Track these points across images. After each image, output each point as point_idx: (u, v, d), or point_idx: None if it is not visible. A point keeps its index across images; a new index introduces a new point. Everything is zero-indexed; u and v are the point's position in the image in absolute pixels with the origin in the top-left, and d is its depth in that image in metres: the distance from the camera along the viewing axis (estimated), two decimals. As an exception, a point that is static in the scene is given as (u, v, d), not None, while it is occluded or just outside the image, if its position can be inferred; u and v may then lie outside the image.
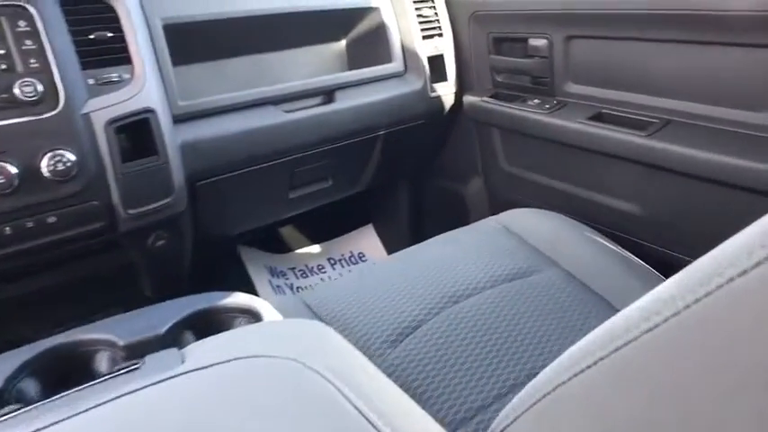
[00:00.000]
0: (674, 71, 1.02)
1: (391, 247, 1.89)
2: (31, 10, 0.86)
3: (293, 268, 1.77)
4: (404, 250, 1.09)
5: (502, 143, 1.37)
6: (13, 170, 0.84)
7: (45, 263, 1.05)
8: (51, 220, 0.91)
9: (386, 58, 1.35)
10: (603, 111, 1.14)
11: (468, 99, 1.41)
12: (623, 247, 1.07)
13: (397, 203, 1.82)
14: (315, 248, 1.87)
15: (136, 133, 0.97)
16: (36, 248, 0.92)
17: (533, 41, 1.24)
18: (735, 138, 0.96)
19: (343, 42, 1.42)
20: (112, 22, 0.95)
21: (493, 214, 1.51)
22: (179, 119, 1.05)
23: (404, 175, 1.67)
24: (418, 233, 1.81)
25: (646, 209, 1.09)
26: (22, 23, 0.86)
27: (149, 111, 0.97)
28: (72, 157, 0.88)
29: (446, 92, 1.42)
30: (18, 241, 0.90)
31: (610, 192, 1.14)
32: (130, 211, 0.98)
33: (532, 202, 1.34)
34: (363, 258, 1.88)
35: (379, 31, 1.35)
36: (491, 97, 1.35)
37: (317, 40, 1.38)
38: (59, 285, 1.12)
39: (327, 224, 1.86)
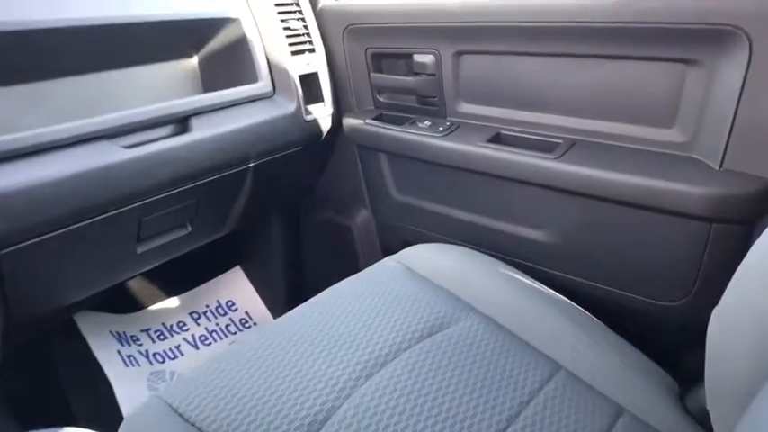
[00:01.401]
0: (575, 87, 0.94)
1: (265, 292, 1.66)
2: None
3: (147, 330, 1.47)
4: (292, 312, 0.90)
5: (390, 170, 1.22)
6: None
7: None
8: None
9: (250, 77, 1.14)
10: (502, 132, 1.03)
11: (349, 122, 1.25)
12: (536, 279, 0.97)
13: (269, 240, 1.60)
14: (173, 302, 1.58)
15: None
16: None
17: (419, 57, 1.12)
18: (642, 156, 0.90)
19: (195, 60, 1.19)
20: None
21: (384, 248, 1.38)
22: (-27, 164, 0.76)
23: (278, 209, 1.47)
24: (296, 274, 1.60)
25: (556, 236, 1.00)
26: None
27: None
28: None
29: (322, 114, 1.24)
30: None
31: (515, 219, 1.04)
32: None
33: (428, 234, 1.20)
34: (233, 308, 1.63)
35: (240, 47, 1.14)
36: (375, 119, 1.20)
37: (161, 56, 1.13)
38: None
39: (186, 270, 1.59)
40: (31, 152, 0.83)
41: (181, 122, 1.03)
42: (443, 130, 1.08)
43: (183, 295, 1.59)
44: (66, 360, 1.24)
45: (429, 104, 1.15)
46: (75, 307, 1.30)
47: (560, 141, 0.96)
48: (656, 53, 0.85)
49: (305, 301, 1.59)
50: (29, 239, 0.84)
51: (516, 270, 0.98)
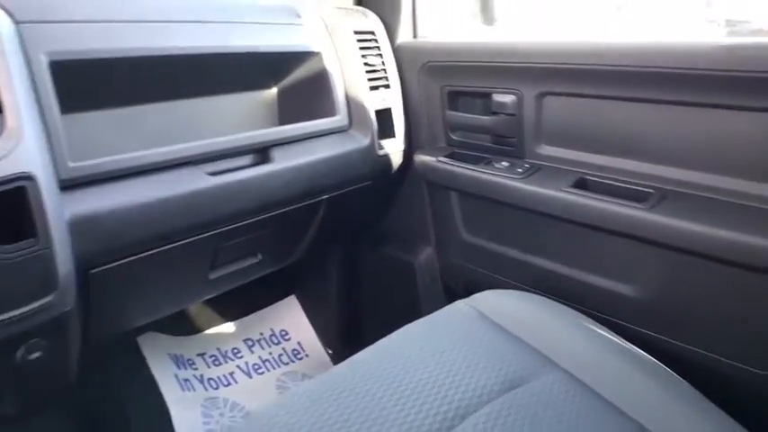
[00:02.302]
0: (669, 135, 0.91)
1: (318, 323, 1.65)
2: None
3: (203, 354, 1.47)
4: (362, 354, 0.86)
5: (461, 209, 1.21)
6: None
7: None
8: None
9: (328, 110, 1.15)
10: (587, 177, 1.01)
11: (421, 158, 1.24)
12: (618, 335, 0.93)
13: (326, 271, 1.59)
14: (228, 327, 1.58)
15: (4, 208, 0.68)
16: None
17: (498, 97, 1.10)
18: (740, 210, 0.85)
19: (274, 91, 1.20)
20: (-26, 54, 0.68)
21: (447, 287, 1.35)
22: (68, 185, 0.77)
23: (340, 241, 1.46)
24: (352, 307, 1.58)
25: (642, 290, 0.95)
26: None
27: (26, 177, 0.69)
28: None
29: (394, 149, 1.24)
30: None
31: (598, 270, 1.00)
32: (-3, 319, 0.68)
33: (497, 277, 1.17)
34: (286, 337, 1.62)
35: (320, 80, 1.15)
36: (448, 157, 1.19)
37: (242, 87, 1.15)
38: None
39: (242, 297, 1.59)
40: (121, 176, 0.85)
41: (261, 152, 1.03)
42: (522, 172, 1.06)
43: (238, 321, 1.59)
44: (127, 380, 1.25)
45: (506, 145, 1.13)
46: (140, 328, 1.31)
47: (652, 191, 0.92)
48: (759, 103, 0.81)
49: (359, 335, 1.58)
50: (116, 260, 0.85)
51: (597, 324, 0.94)
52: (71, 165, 0.78)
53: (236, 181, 0.96)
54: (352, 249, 1.52)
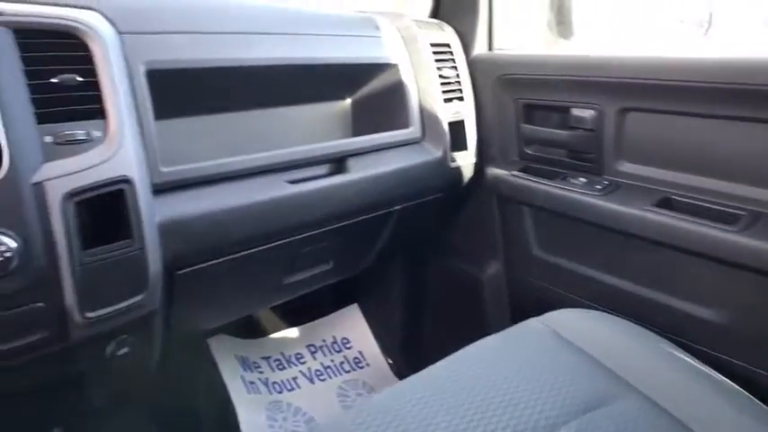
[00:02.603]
0: (763, 155, 0.87)
1: (380, 333, 1.65)
2: (-30, 40, 0.62)
3: (268, 358, 1.50)
4: (435, 367, 0.85)
5: (534, 225, 1.19)
6: (-75, 264, 0.58)
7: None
8: (-24, 330, 0.64)
9: (402, 122, 1.16)
10: (672, 197, 0.97)
11: (493, 172, 1.23)
12: (700, 361, 0.89)
13: (389, 282, 1.59)
14: (292, 333, 1.60)
15: (103, 209, 0.72)
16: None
17: (577, 112, 1.08)
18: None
19: (348, 102, 1.22)
20: (84, 63, 0.72)
21: (514, 304, 1.33)
22: (159, 189, 0.81)
23: (404, 252, 1.46)
24: (414, 319, 1.58)
25: (730, 316, 0.91)
26: (-44, 58, 0.61)
27: (125, 180, 0.73)
28: (12, 243, 0.62)
29: (466, 162, 1.24)
30: None
31: (681, 293, 0.96)
32: (89, 315, 0.72)
33: (569, 296, 1.14)
34: (348, 345, 1.63)
35: (395, 92, 1.16)
36: (521, 171, 1.18)
37: (317, 97, 1.17)
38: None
39: (305, 303, 1.61)
40: (208, 181, 0.88)
41: (337, 162, 1.05)
42: (601, 189, 1.04)
43: (301, 327, 1.61)
44: (198, 380, 1.28)
45: (583, 160, 1.11)
46: (211, 329, 1.35)
47: (743, 213, 0.88)
48: None
49: (420, 347, 1.58)
50: (200, 263, 0.88)
51: (677, 347, 0.90)
52: (163, 170, 0.81)
53: (313, 189, 0.98)
54: (417, 261, 1.51)
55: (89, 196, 0.69)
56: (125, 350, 0.82)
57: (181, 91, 0.90)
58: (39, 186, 0.65)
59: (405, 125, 1.15)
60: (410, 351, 1.60)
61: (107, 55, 0.73)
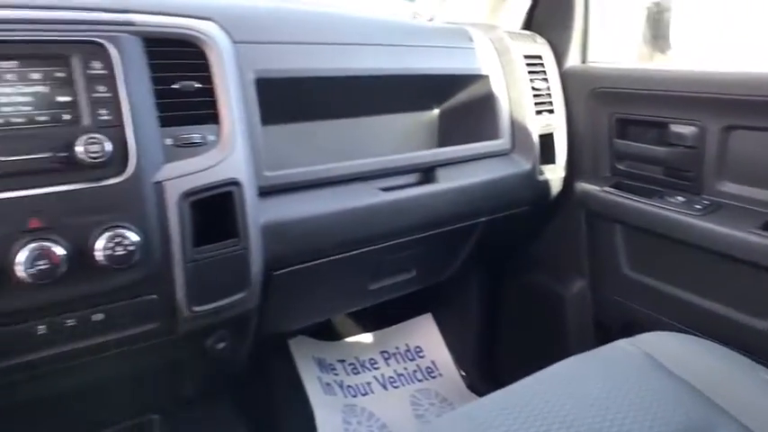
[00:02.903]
0: None
1: (453, 343, 1.64)
2: (111, 49, 0.67)
3: (343, 361, 1.53)
4: (516, 386, 0.83)
5: (625, 243, 1.15)
6: (61, 252, 0.62)
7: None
8: (98, 317, 0.69)
9: (491, 133, 1.16)
10: (783, 220, 0.92)
11: (583, 187, 1.20)
12: None
13: (465, 293, 1.58)
14: (367, 338, 1.62)
15: (211, 210, 0.76)
16: (72, 353, 0.69)
17: (677, 128, 1.05)
18: None
19: (436, 112, 1.23)
20: (202, 70, 0.76)
21: (599, 323, 1.29)
22: (263, 192, 0.84)
23: (484, 264, 1.45)
24: (488, 332, 1.56)
25: None
26: (96, 65, 0.66)
27: (234, 183, 0.76)
28: (135, 237, 0.66)
29: (554, 176, 1.22)
30: (52, 344, 0.67)
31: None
32: (196, 309, 0.76)
33: (661, 318, 1.10)
34: (421, 354, 1.63)
35: (486, 103, 1.16)
36: (613, 187, 1.15)
37: (407, 107, 1.19)
38: (79, 388, 0.88)
39: (380, 309, 1.62)
40: (307, 186, 0.91)
41: (427, 171, 1.06)
42: (702, 209, 1.00)
43: (375, 333, 1.63)
44: (278, 379, 1.32)
45: (681, 179, 1.07)
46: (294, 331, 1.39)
47: None
48: None
49: (494, 360, 1.56)
50: (296, 265, 0.91)
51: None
52: (267, 174, 0.84)
53: (404, 198, 0.99)
54: (496, 273, 1.50)
55: (202, 196, 0.73)
56: (222, 344, 0.85)
57: (283, 98, 0.94)
58: (159, 186, 0.70)
59: (494, 136, 1.15)
60: (484, 364, 1.58)
61: (222, 63, 0.77)
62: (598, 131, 1.20)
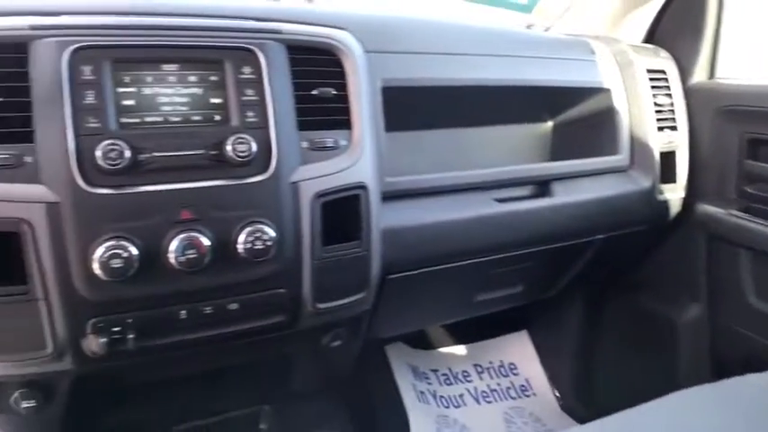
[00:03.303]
0: None
1: (549, 363, 1.60)
2: (260, 56, 0.71)
3: (436, 371, 1.52)
4: (632, 412, 0.79)
5: (752, 271, 1.08)
6: (207, 243, 0.67)
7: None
8: (232, 307, 0.73)
9: (608, 148, 1.12)
10: None
11: (704, 208, 1.14)
12: None
13: (564, 311, 1.54)
14: (460, 350, 1.61)
15: (338, 212, 0.78)
16: (204, 340, 0.74)
17: (822, 151, 0.97)
18: None
19: (549, 125, 1.21)
20: (337, 77, 0.79)
21: (716, 355, 1.21)
22: (384, 197, 0.86)
23: (588, 282, 1.40)
24: (587, 353, 1.51)
25: None
26: (246, 70, 0.71)
27: (362, 187, 0.79)
28: (272, 233, 0.70)
29: (673, 195, 1.16)
30: (190, 329, 0.72)
31: None
32: (319, 306, 0.78)
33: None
34: (515, 371, 1.60)
35: (605, 117, 1.13)
36: (742, 211, 1.08)
37: (520, 118, 1.18)
38: (203, 373, 0.94)
39: (475, 323, 1.61)
40: (424, 194, 0.92)
41: (542, 185, 1.04)
42: None
43: (469, 346, 1.61)
44: (375, 382, 1.34)
45: (823, 205, 0.99)
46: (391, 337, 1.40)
47: None
48: None
49: (592, 383, 1.50)
50: (409, 270, 0.92)
51: None
52: (388, 180, 0.86)
53: (519, 210, 0.98)
54: (601, 292, 1.45)
55: (332, 198, 0.76)
56: (337, 342, 0.88)
57: (403, 106, 0.96)
58: (295, 186, 0.73)
59: (612, 152, 1.11)
60: (580, 386, 1.53)
61: (357, 71, 0.80)
62: (725, 151, 1.13)
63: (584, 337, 1.51)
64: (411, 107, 0.97)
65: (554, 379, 1.57)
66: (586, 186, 1.07)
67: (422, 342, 1.57)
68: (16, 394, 0.71)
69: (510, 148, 1.17)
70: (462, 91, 0.99)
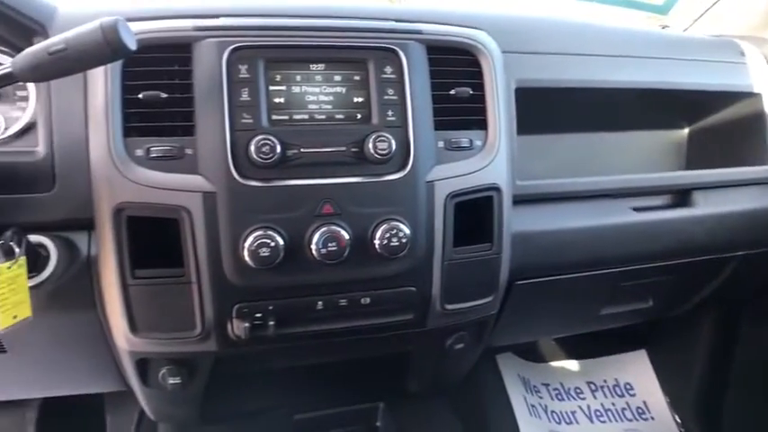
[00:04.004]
0: None
1: (669, 386, 1.49)
2: (402, 56, 0.72)
3: (547, 385, 1.47)
4: None
5: None
6: (347, 237, 0.68)
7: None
8: (365, 301, 0.74)
9: (754, 157, 1.03)
10: None
11: None
12: None
13: (691, 333, 1.43)
14: (573, 365, 1.55)
15: (469, 213, 0.77)
16: (336, 331, 0.75)
17: None
18: None
19: (685, 131, 1.14)
20: (475, 77, 0.79)
21: None
22: (514, 201, 0.84)
23: (724, 302, 1.30)
24: (714, 378, 1.39)
25: None
26: (388, 70, 0.72)
27: (495, 188, 0.78)
28: (407, 230, 0.70)
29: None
30: (324, 320, 0.74)
31: None
32: (447, 307, 0.78)
33: None
34: (631, 392, 1.51)
35: (753, 124, 1.04)
36: None
37: (653, 124, 1.12)
38: (327, 365, 0.96)
39: (589, 337, 1.54)
40: (555, 198, 0.89)
41: (681, 194, 0.98)
42: None
43: (582, 362, 1.55)
44: (485, 391, 1.32)
45: None
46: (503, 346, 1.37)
47: None
48: None
49: (719, 410, 1.38)
50: (537, 277, 0.89)
51: None
52: (518, 183, 0.84)
53: (657, 220, 0.93)
54: (733, 314, 1.33)
55: (465, 199, 0.75)
56: (460, 346, 0.87)
57: (537, 108, 0.93)
58: (430, 185, 0.73)
59: (762, 162, 1.03)
60: (704, 414, 1.42)
61: (493, 71, 0.79)
62: None
63: (712, 362, 1.40)
64: (542, 109, 0.94)
65: (675, 404, 1.47)
66: (730, 198, 0.99)
67: (531, 354, 1.53)
68: (164, 371, 0.76)
69: (642, 155, 1.11)
70: (596, 93, 0.95)
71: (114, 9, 0.74)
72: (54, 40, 0.56)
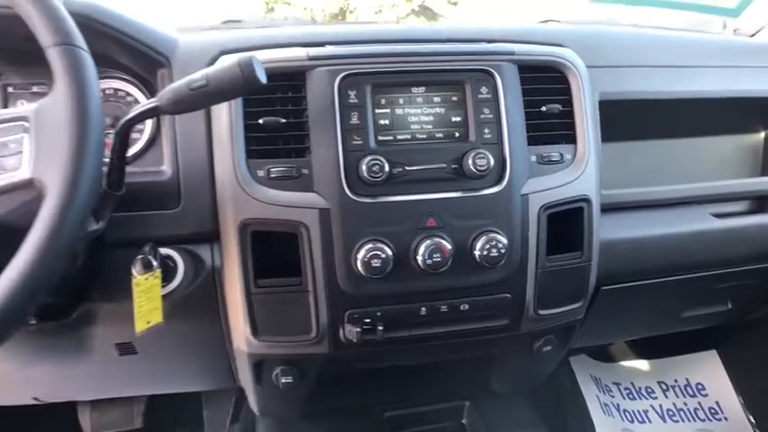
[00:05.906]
0: None
1: (742, 386, 1.49)
2: (497, 77, 0.77)
3: (618, 384, 1.49)
4: None
5: None
6: (449, 248, 0.74)
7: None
8: (464, 307, 0.79)
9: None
10: None
11: None
12: None
13: (762, 333, 1.42)
14: (643, 365, 1.56)
15: (560, 223, 0.82)
16: (437, 335, 0.81)
17: None
18: None
19: (761, 135, 1.14)
20: (563, 94, 0.83)
21: None
22: (602, 210, 0.88)
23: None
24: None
25: None
26: (483, 90, 0.77)
27: (585, 199, 0.82)
28: (504, 241, 0.75)
29: None
30: (427, 324, 0.80)
31: None
32: (540, 312, 0.82)
33: None
34: (703, 392, 1.51)
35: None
36: None
37: (729, 129, 1.12)
38: (421, 366, 1.01)
39: (658, 337, 1.55)
40: (639, 206, 0.92)
41: (760, 200, 1.00)
42: None
43: (652, 362, 1.56)
44: (562, 392, 1.35)
45: None
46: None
47: None
48: None
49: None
50: (621, 283, 0.93)
51: None
52: (604, 192, 0.88)
53: (737, 227, 0.95)
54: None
55: (557, 210, 0.80)
56: (548, 348, 0.91)
57: (617, 118, 0.97)
58: (525, 198, 0.78)
59: None
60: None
61: (581, 87, 0.83)
62: None
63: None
64: (622, 118, 0.97)
65: (749, 404, 1.47)
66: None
67: (602, 354, 1.55)
68: (278, 370, 0.84)
69: (718, 160, 1.12)
70: (676, 103, 0.98)
71: (226, 38, 0.81)
72: (195, 77, 0.63)
